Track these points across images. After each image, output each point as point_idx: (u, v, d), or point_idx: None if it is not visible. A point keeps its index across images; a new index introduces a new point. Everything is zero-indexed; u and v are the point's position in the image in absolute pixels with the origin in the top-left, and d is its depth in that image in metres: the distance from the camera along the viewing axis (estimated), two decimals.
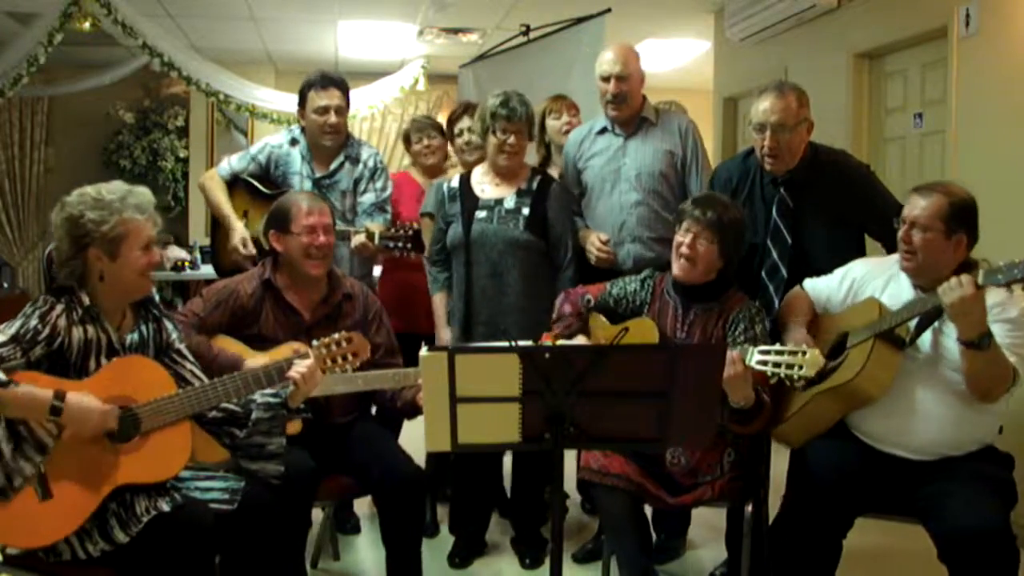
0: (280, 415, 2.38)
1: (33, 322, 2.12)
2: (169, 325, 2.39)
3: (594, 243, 3.25)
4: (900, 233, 2.41)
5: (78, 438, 2.08)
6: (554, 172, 3.52)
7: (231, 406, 2.36)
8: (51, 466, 2.08)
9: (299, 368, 2.36)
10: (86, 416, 2.06)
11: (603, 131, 3.36)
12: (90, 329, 2.19)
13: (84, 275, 2.21)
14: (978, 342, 2.19)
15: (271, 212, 2.83)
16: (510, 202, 3.16)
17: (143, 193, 2.28)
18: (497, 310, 3.12)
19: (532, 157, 3.63)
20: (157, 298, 2.41)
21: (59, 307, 2.16)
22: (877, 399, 2.39)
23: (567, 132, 3.63)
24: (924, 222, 2.35)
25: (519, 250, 3.12)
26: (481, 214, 3.16)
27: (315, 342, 2.43)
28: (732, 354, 2.34)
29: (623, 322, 2.74)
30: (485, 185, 3.22)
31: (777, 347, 2.36)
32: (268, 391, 2.37)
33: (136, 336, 2.29)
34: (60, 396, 2.04)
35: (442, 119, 4.05)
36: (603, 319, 2.82)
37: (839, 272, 2.65)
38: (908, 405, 2.38)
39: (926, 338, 2.39)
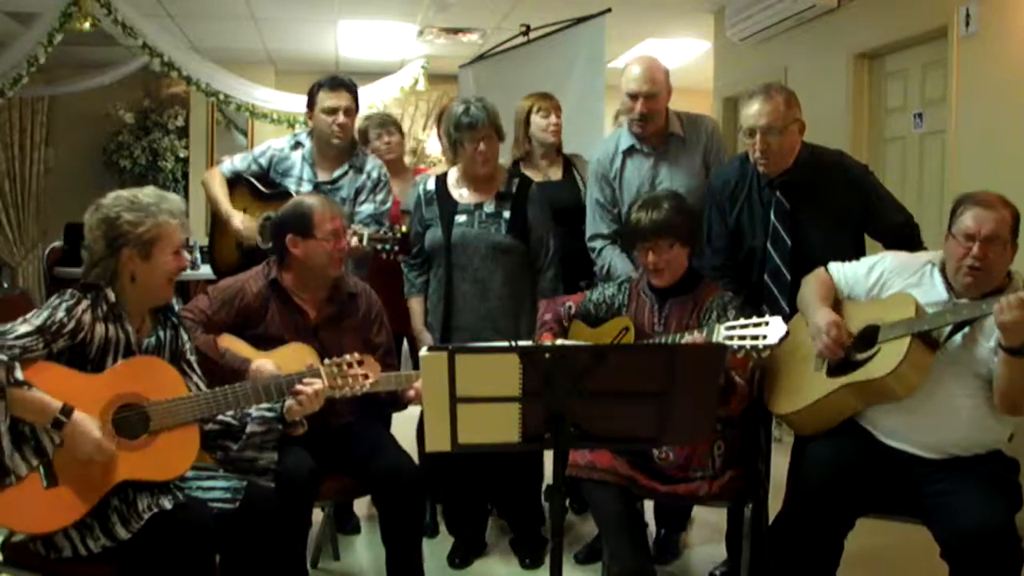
0: (275, 429, 2.40)
1: (60, 314, 2.15)
2: (184, 335, 2.42)
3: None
4: (974, 250, 2.31)
5: (70, 455, 2.08)
6: (533, 172, 3.49)
7: (227, 418, 2.38)
8: (59, 455, 2.09)
9: (315, 386, 2.39)
10: (82, 440, 2.07)
11: (630, 150, 3.21)
12: (111, 327, 2.22)
13: (115, 275, 2.24)
14: (1020, 349, 2.18)
15: (287, 216, 2.79)
16: (490, 206, 3.15)
17: (176, 199, 2.34)
18: (478, 315, 3.12)
19: (506, 155, 3.57)
20: (176, 307, 2.43)
21: (85, 302, 2.19)
22: (903, 399, 2.35)
23: (554, 133, 3.60)
24: (1003, 235, 2.31)
25: (501, 254, 3.11)
26: (461, 218, 3.14)
27: (327, 360, 2.45)
28: (696, 335, 2.45)
29: (602, 325, 2.83)
30: (463, 189, 3.20)
31: (741, 321, 2.41)
32: (264, 404, 2.39)
33: (153, 340, 2.32)
34: (67, 412, 2.06)
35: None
36: (583, 324, 2.88)
37: (867, 261, 2.61)
38: (930, 404, 2.35)
39: (956, 339, 2.37)
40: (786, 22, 5.00)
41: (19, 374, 2.03)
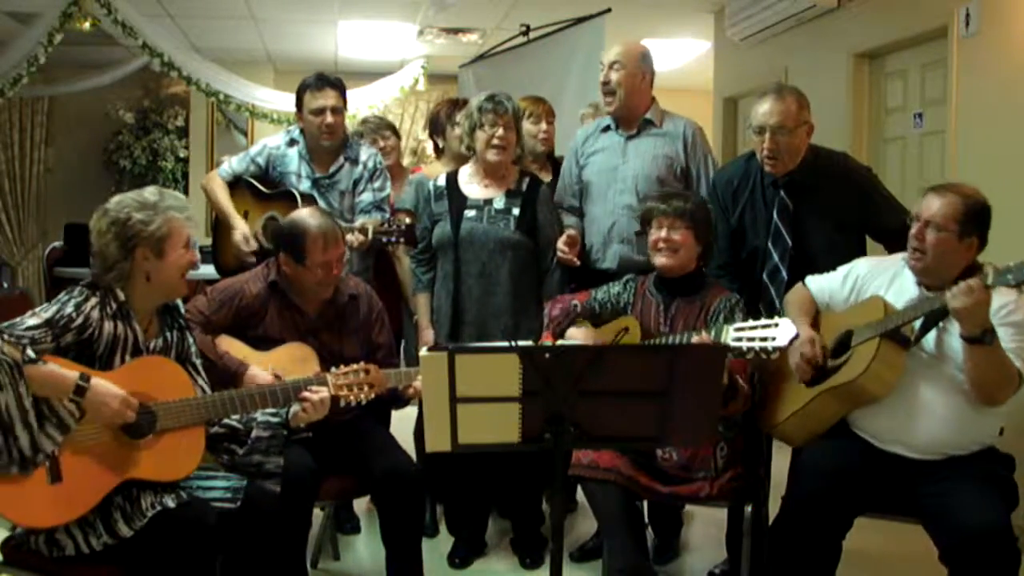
0: (279, 435, 2.41)
1: (68, 309, 2.16)
2: (190, 338, 2.43)
3: (560, 243, 3.19)
4: (913, 230, 2.38)
5: (96, 424, 2.10)
6: None
7: (233, 422, 2.40)
8: (64, 451, 2.10)
9: (321, 394, 2.41)
10: (107, 402, 2.09)
11: (607, 129, 3.33)
12: (120, 325, 2.23)
13: (129, 276, 2.25)
14: (980, 337, 2.19)
15: (284, 232, 2.76)
16: (499, 202, 3.15)
17: (177, 195, 2.37)
18: (485, 310, 3.11)
19: None
20: (182, 308, 2.45)
21: (94, 299, 2.21)
22: (881, 399, 2.38)
23: (543, 141, 3.62)
24: (939, 222, 2.33)
25: (509, 250, 3.11)
26: (470, 213, 3.15)
27: (333, 369, 2.46)
28: (703, 335, 2.48)
29: (606, 325, 2.83)
30: (473, 185, 3.21)
31: (750, 322, 2.43)
32: (269, 410, 2.40)
33: (160, 341, 2.33)
34: (86, 378, 2.07)
35: None
36: (588, 324, 2.89)
37: (842, 270, 2.64)
38: (911, 404, 2.37)
39: (930, 337, 2.38)
40: (786, 22, 5.00)
41: (31, 352, 2.03)
